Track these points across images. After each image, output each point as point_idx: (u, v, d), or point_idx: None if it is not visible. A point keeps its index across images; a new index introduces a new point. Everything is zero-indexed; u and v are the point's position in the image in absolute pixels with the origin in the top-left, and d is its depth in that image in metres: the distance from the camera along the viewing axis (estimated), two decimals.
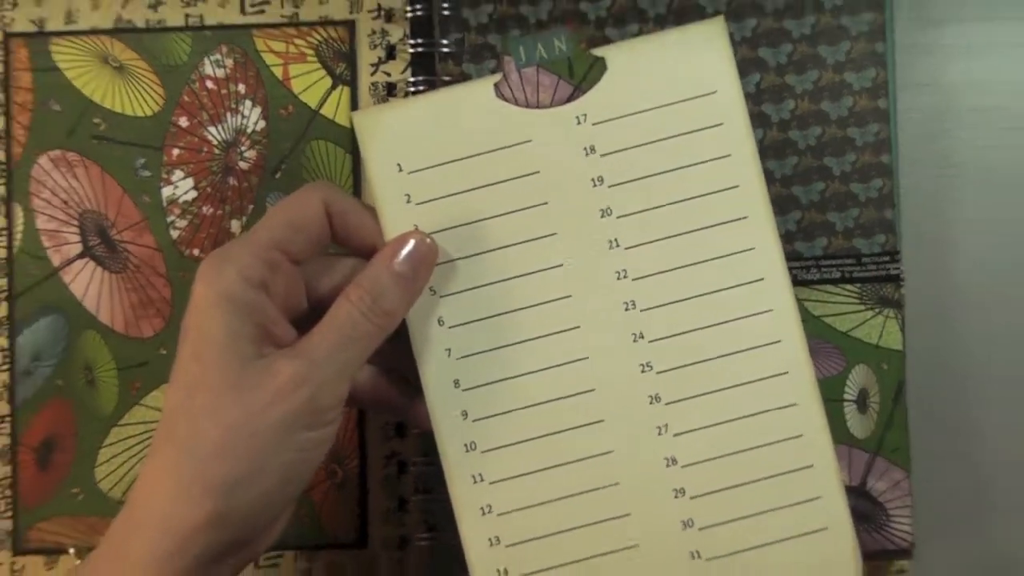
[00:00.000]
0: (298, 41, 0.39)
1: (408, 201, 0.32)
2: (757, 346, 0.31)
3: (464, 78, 0.37)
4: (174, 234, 0.39)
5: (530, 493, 0.32)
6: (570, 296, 0.32)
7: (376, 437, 0.38)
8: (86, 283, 0.39)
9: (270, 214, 0.31)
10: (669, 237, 0.32)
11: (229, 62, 0.39)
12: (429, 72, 0.38)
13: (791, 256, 0.37)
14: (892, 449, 0.37)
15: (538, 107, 0.32)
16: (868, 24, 0.37)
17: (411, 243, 0.31)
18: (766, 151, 0.37)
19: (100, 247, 0.39)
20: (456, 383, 0.32)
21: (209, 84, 0.39)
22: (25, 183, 0.38)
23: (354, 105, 0.38)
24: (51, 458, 0.39)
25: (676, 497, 0.31)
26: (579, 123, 0.32)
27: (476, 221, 0.32)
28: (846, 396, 0.37)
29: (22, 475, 0.39)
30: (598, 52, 0.32)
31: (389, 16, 0.38)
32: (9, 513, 0.39)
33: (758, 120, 0.37)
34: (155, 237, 0.39)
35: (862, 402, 0.37)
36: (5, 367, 0.38)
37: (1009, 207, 0.39)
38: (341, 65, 0.39)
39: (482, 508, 0.31)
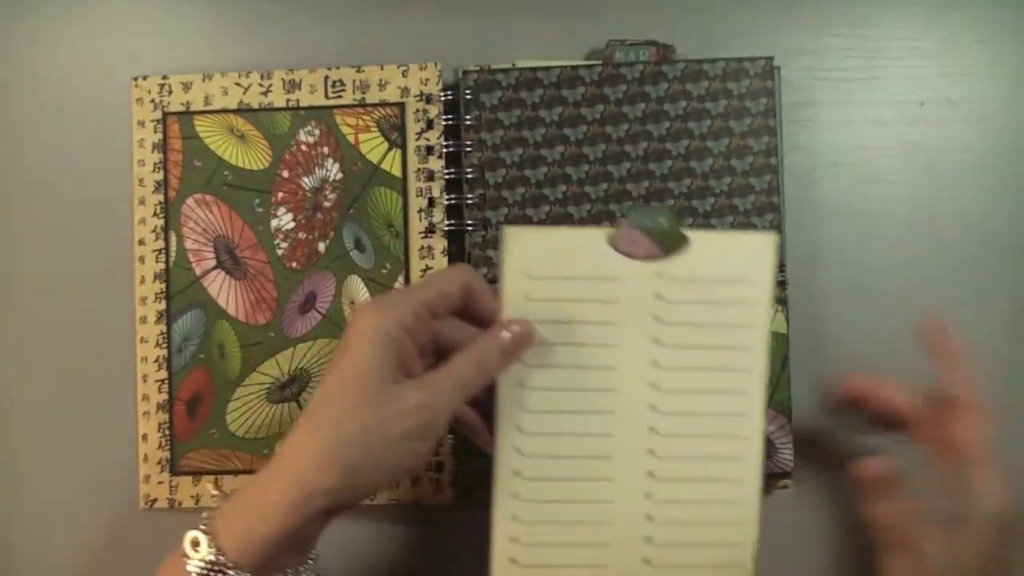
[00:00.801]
0: (364, 117, 0.51)
1: (526, 298, 0.41)
2: (729, 458, 0.42)
3: (481, 144, 0.50)
4: (279, 252, 0.52)
5: (548, 514, 0.42)
6: (614, 390, 0.41)
7: None
8: (219, 287, 0.52)
9: (427, 280, 0.41)
10: (694, 369, 0.41)
11: (317, 132, 0.52)
12: (456, 138, 0.51)
13: None
14: (779, 402, 0.49)
15: (633, 258, 0.41)
16: (763, 106, 0.49)
17: (517, 327, 0.40)
18: (692, 194, 0.50)
19: (228, 261, 0.52)
20: (519, 428, 0.42)
21: (303, 147, 0.52)
22: (177, 217, 0.52)
23: (404, 162, 0.51)
24: (196, 409, 0.52)
25: (645, 543, 0.42)
26: (658, 276, 0.41)
27: (567, 322, 0.41)
28: None
29: (176, 420, 0.52)
30: (686, 232, 0.41)
31: (428, 99, 0.51)
32: (168, 447, 0.52)
33: (686, 172, 0.50)
34: (266, 254, 0.52)
35: None
36: (164, 346, 0.52)
37: (859, 231, 0.51)
38: (395, 134, 0.51)
39: (513, 515, 0.42)
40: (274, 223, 0.52)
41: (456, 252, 0.52)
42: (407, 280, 0.51)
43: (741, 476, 0.42)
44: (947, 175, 0.50)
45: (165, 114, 0.53)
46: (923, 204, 0.50)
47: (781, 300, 0.49)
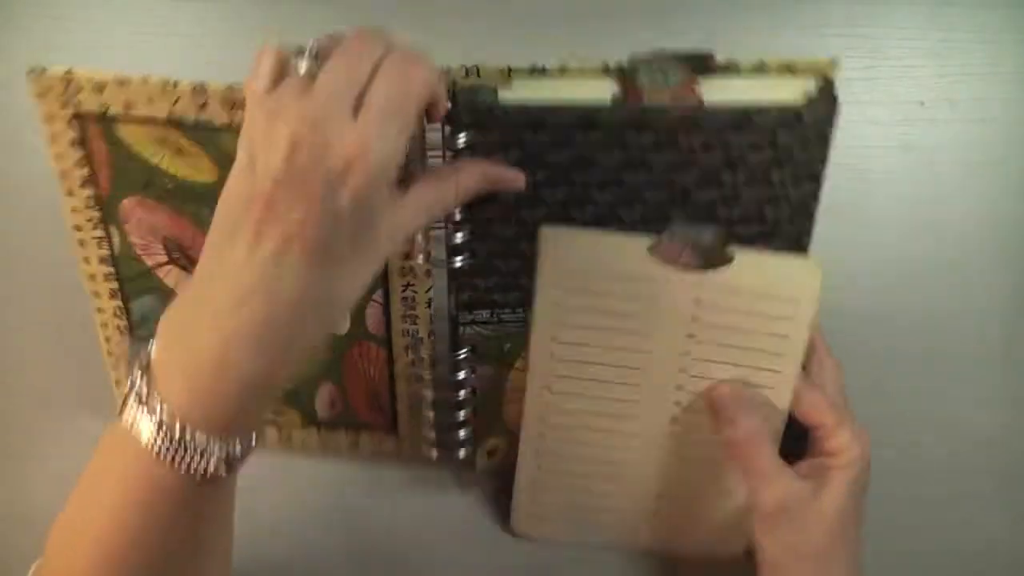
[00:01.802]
0: None
1: (562, 290, 0.41)
2: None
3: None
4: None
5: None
6: (645, 370, 0.42)
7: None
8: (175, 279, 0.45)
9: (413, 85, 0.33)
10: (724, 363, 0.42)
11: None
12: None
13: None
14: None
15: (677, 267, 0.40)
16: (816, 154, 0.41)
17: (480, 169, 0.39)
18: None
19: (182, 259, 0.45)
20: (548, 388, 0.43)
21: None
22: (115, 212, 0.44)
23: None
24: None
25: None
26: (698, 284, 0.40)
27: (602, 312, 0.41)
28: None
29: None
30: (731, 251, 0.40)
31: None
32: None
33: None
34: None
35: None
36: (124, 318, 0.47)
37: (859, 231, 0.50)
38: None
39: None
40: None
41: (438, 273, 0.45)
42: (386, 299, 0.45)
43: None
44: (947, 175, 0.50)
45: (78, 114, 0.42)
46: (923, 204, 0.50)
47: None
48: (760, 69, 0.40)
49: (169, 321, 0.33)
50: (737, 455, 0.41)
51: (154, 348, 0.33)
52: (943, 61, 0.50)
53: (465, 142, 0.40)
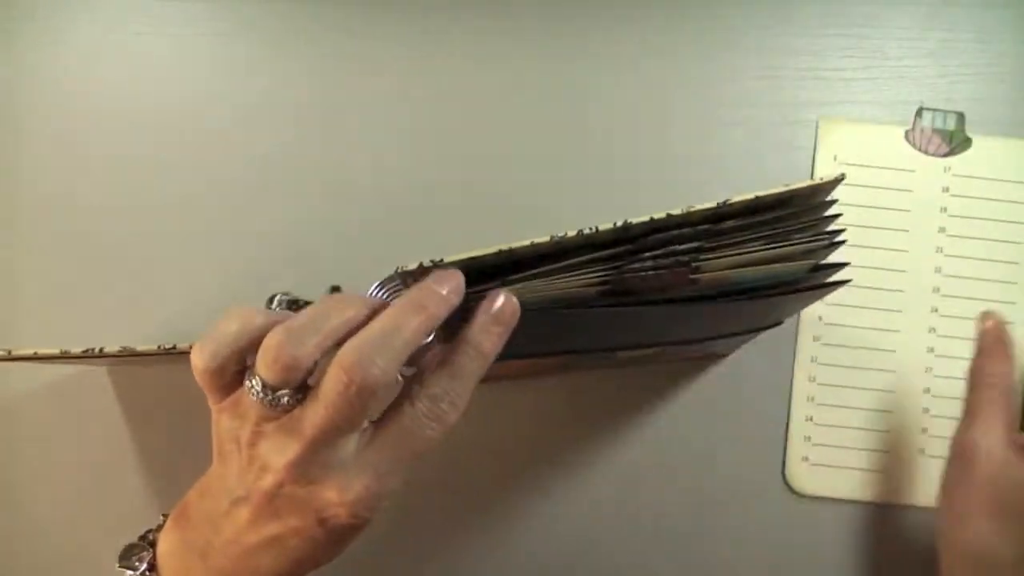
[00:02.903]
0: None
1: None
2: None
3: None
4: None
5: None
6: (905, 271, 0.47)
7: None
8: None
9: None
10: (972, 258, 0.47)
11: None
12: None
13: None
14: None
15: (925, 153, 0.48)
16: None
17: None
18: None
19: None
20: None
21: None
22: None
23: None
24: None
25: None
26: (945, 171, 0.48)
27: (866, 206, 0.47)
28: None
29: None
30: (969, 134, 0.48)
31: None
32: None
33: None
34: None
35: None
36: None
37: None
38: None
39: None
40: None
41: None
42: None
43: None
44: None
45: None
46: None
47: None
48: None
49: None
50: None
51: None
52: (943, 61, 0.49)
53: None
